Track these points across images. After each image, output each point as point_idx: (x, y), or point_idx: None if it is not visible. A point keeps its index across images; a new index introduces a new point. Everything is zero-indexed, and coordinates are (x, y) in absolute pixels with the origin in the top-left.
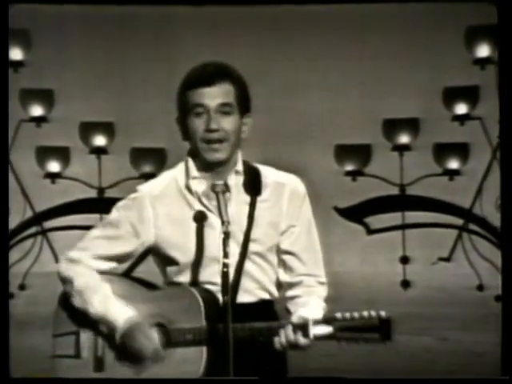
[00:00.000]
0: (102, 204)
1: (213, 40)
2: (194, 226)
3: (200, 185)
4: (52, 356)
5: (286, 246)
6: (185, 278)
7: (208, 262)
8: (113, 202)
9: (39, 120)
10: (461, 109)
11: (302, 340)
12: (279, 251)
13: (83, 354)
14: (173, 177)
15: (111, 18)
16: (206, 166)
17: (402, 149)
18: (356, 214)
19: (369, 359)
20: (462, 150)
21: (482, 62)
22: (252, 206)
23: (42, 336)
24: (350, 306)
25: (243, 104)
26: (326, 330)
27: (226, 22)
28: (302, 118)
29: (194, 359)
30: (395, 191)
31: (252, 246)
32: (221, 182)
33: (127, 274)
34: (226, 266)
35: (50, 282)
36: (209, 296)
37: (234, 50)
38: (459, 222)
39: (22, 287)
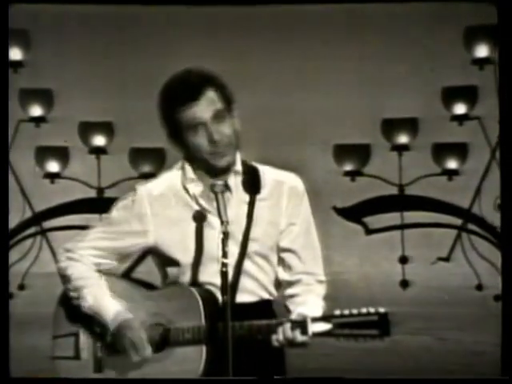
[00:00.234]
0: (101, 204)
1: (212, 40)
2: (192, 226)
3: (197, 187)
4: (52, 357)
5: (285, 243)
6: (184, 278)
7: (207, 263)
8: (112, 201)
9: (38, 120)
10: (460, 109)
11: (300, 337)
12: (278, 249)
13: (83, 355)
14: (170, 178)
15: (111, 19)
16: (211, 171)
17: (400, 149)
18: (355, 213)
19: (368, 359)
20: (460, 150)
21: (481, 62)
22: (251, 205)
23: (41, 336)
24: (349, 305)
25: (229, 101)
26: (324, 327)
27: (226, 21)
28: (300, 118)
29: (193, 358)
30: (394, 191)
31: (251, 246)
32: (220, 182)
33: (127, 275)
34: (225, 265)
35: (50, 281)
36: (208, 295)
37: (234, 49)
38: (458, 221)
39: (21, 287)
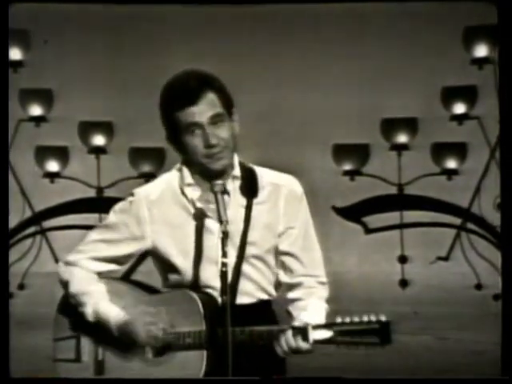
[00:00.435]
0: (100, 203)
1: (212, 40)
2: (190, 229)
3: (195, 191)
4: (53, 360)
5: (284, 247)
6: (184, 281)
7: (206, 266)
8: (112, 201)
9: (38, 120)
10: (459, 108)
11: (302, 345)
12: (278, 252)
13: (84, 357)
14: (168, 182)
15: (110, 18)
16: (207, 174)
17: (400, 148)
18: (354, 213)
19: (368, 359)
20: (460, 150)
21: (480, 62)
22: (248, 208)
23: (41, 336)
24: (349, 305)
25: (228, 104)
26: (325, 334)
27: (225, 21)
28: (300, 118)
29: (194, 363)
30: (393, 191)
31: (249, 249)
32: (220, 182)
33: (126, 277)
34: (224, 265)
35: (49, 281)
36: (208, 299)
37: (233, 49)
38: (457, 221)
39: (21, 287)
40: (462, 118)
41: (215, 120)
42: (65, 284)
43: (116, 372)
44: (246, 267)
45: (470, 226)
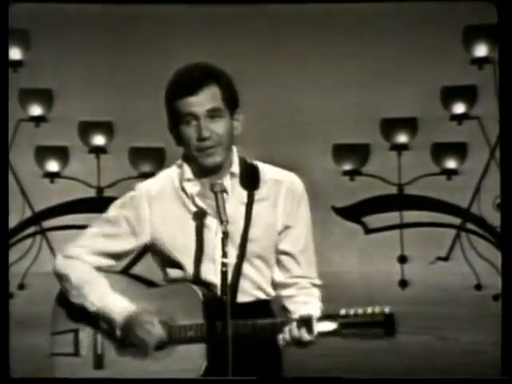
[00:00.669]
0: (100, 203)
1: (212, 39)
2: (189, 225)
3: (194, 187)
4: (50, 354)
5: (284, 246)
6: (183, 276)
7: (205, 262)
8: (112, 201)
9: (38, 120)
10: (459, 108)
11: (306, 336)
12: (277, 251)
13: (82, 351)
14: (168, 177)
15: (110, 18)
16: (202, 170)
17: (399, 148)
18: (354, 213)
19: (368, 359)
20: (459, 150)
21: (480, 62)
22: (249, 206)
23: (41, 336)
24: (348, 305)
25: (232, 102)
26: (330, 326)
27: (225, 20)
28: (300, 118)
29: (195, 356)
30: (393, 191)
31: (250, 247)
32: (219, 182)
33: (126, 272)
34: (224, 265)
35: (50, 281)
36: (209, 293)
37: (233, 49)
38: (457, 221)
39: (21, 287)
40: (461, 118)
41: (212, 114)
42: (63, 277)
43: (115, 366)
44: (245, 266)
45: (470, 226)
